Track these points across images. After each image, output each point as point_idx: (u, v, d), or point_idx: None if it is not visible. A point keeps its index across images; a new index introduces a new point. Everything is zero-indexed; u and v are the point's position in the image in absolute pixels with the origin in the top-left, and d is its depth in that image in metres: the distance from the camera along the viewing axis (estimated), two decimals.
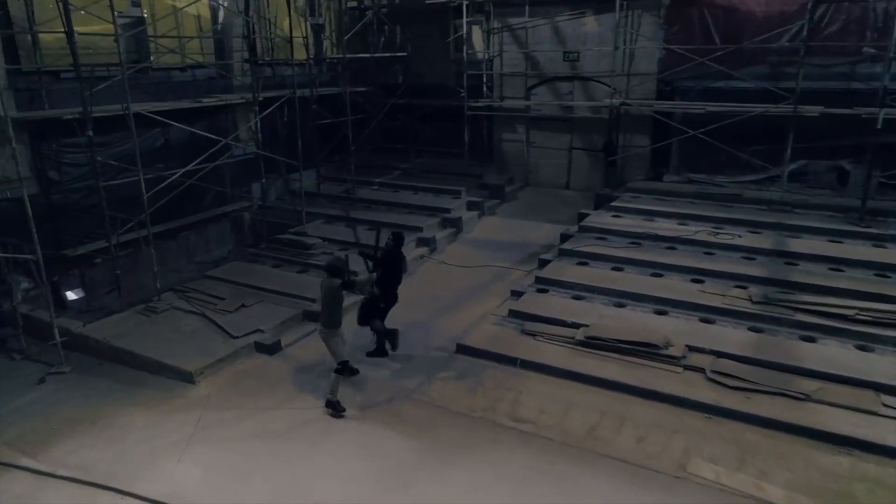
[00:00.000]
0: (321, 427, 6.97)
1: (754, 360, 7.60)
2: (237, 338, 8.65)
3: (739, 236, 10.57)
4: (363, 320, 8.28)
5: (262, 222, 13.21)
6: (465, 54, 14.28)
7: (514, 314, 9.10)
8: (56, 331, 8.46)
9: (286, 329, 9.09)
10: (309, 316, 9.44)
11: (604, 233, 11.25)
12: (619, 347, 7.99)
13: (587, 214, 12.09)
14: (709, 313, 8.70)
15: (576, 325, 8.56)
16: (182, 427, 6.97)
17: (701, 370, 7.54)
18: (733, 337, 8.12)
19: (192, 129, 10.96)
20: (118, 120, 10.02)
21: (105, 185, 9.54)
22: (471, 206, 13.46)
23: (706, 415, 6.91)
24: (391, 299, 8.42)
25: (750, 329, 8.30)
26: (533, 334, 8.57)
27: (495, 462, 6.34)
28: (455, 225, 12.67)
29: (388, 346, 8.38)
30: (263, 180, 12.87)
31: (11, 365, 8.67)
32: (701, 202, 12.09)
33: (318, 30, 14.94)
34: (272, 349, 8.57)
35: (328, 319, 7.12)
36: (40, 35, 9.65)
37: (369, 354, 8.32)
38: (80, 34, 9.40)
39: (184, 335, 8.81)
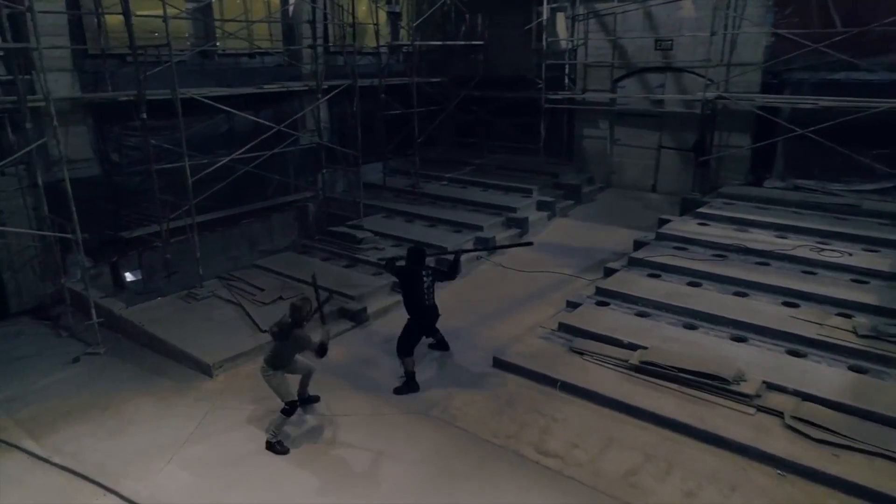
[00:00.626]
0: (324, 439, 6.35)
1: (851, 408, 6.14)
2: (265, 332, 8.23)
3: (850, 254, 8.90)
4: (405, 351, 7.26)
5: (324, 213, 12.90)
6: (544, 42, 13.23)
7: (564, 328, 8.07)
8: (94, 311, 8.43)
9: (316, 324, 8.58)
10: (345, 314, 8.91)
11: (684, 242, 9.90)
12: (680, 377, 6.77)
13: (668, 221, 10.75)
14: (799, 344, 7.25)
15: (633, 347, 7.41)
16: (185, 423, 6.60)
17: (779, 414, 6.19)
18: (827, 376, 6.66)
19: (247, 115, 10.73)
20: (185, 104, 9.97)
21: (166, 169, 9.46)
22: (541, 206, 12.44)
23: (778, 472, 5.61)
24: (423, 317, 7.35)
25: (850, 368, 6.79)
26: (581, 353, 7.51)
27: (506, 501, 5.42)
28: (520, 226, 11.72)
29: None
30: (324, 171, 12.51)
31: (56, 342, 8.75)
32: (807, 213, 10.40)
33: (394, 18, 14.47)
34: None
35: (279, 362, 6.16)
36: (107, 17, 9.75)
37: (398, 391, 7.14)
38: (145, 17, 9.44)
39: (214, 325, 8.53)
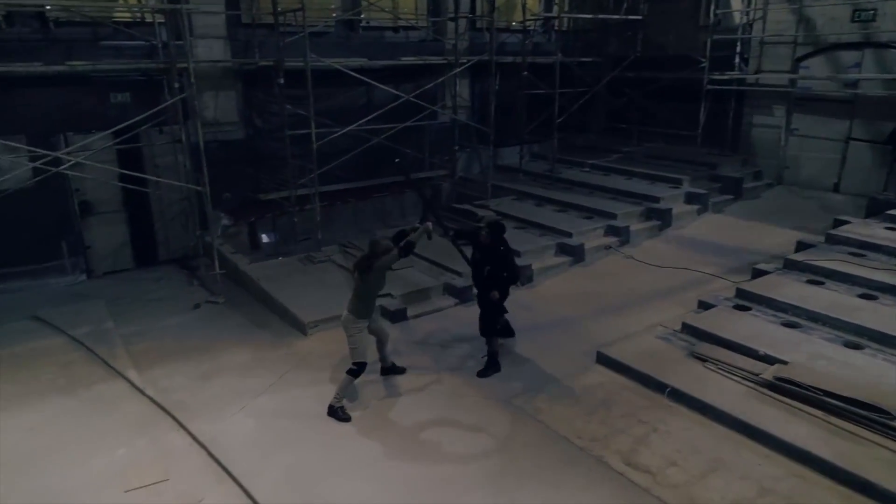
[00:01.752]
0: (394, 411, 5.98)
1: None
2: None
3: None
4: (491, 330, 6.67)
5: (455, 193, 12.62)
6: (712, 15, 11.72)
7: (688, 329, 6.94)
8: (217, 263, 8.89)
9: (420, 298, 8.29)
10: (450, 290, 8.50)
11: (862, 247, 8.16)
12: (825, 402, 5.43)
13: (846, 222, 8.95)
14: None
15: (770, 360, 6.13)
16: (268, 376, 6.62)
17: None
18: None
19: (383, 87, 10.67)
20: (328, 75, 10.28)
21: (301, 138, 9.72)
22: (691, 198, 11.04)
23: None
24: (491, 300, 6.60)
25: None
26: (703, 359, 6.37)
27: None
28: (662, 218, 10.47)
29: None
30: (457, 147, 12.18)
31: (188, 289, 9.36)
32: None
33: None
34: (395, 316, 7.82)
35: (363, 307, 5.86)
36: None
37: (482, 374, 6.55)
38: None
39: (322, 286, 8.57)
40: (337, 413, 5.79)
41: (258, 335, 7.68)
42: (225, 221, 10.90)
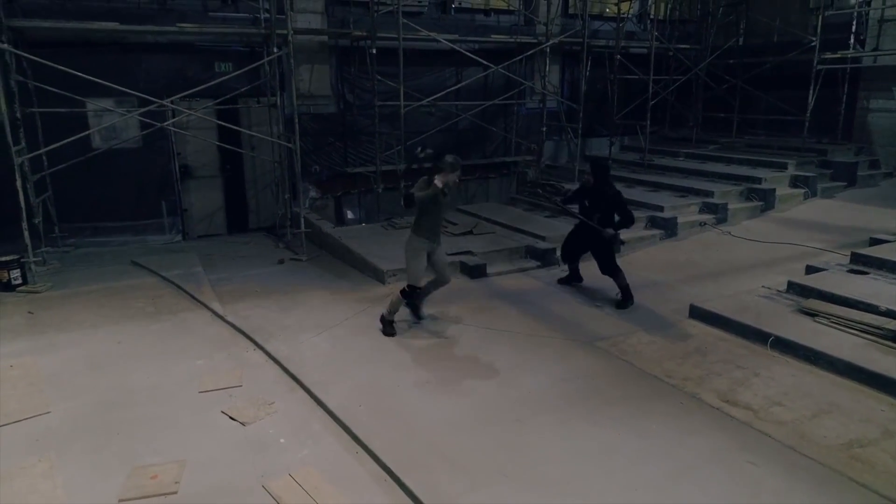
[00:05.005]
0: (470, 344, 5.73)
1: None
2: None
3: None
4: (613, 266, 6.60)
5: (540, 182, 12.35)
6: None
7: (794, 288, 6.32)
8: (302, 222, 9.05)
9: (500, 258, 8.07)
10: (532, 252, 8.22)
11: None
12: None
13: None
14: None
15: (893, 315, 5.45)
16: (344, 312, 6.57)
17: None
18: None
19: (471, 55, 10.66)
20: (418, 54, 10.46)
21: (387, 116, 9.84)
22: (797, 182, 10.26)
23: None
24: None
25: None
26: (813, 314, 5.76)
27: (651, 434, 4.21)
28: (764, 198, 9.75)
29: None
30: (544, 129, 11.94)
31: (273, 250, 9.53)
32: None
33: None
34: (474, 272, 7.63)
35: (415, 223, 5.85)
36: None
37: (620, 305, 6.51)
38: None
39: (401, 246, 8.26)
40: (386, 326, 5.88)
41: (337, 283, 7.69)
42: (313, 194, 11.16)
